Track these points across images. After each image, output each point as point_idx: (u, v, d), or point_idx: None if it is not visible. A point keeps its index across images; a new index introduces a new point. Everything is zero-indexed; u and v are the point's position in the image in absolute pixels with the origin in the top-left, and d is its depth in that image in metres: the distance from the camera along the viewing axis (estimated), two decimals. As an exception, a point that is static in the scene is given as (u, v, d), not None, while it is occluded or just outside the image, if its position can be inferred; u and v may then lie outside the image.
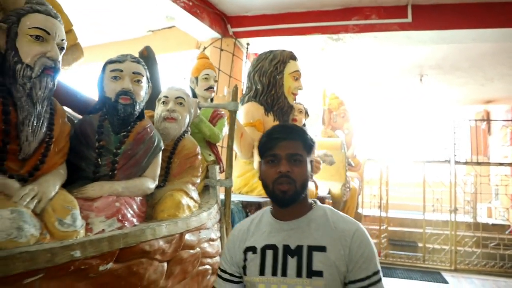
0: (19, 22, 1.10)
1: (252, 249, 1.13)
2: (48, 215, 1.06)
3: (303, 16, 3.92)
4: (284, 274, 1.05)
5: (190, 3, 3.52)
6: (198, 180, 1.83)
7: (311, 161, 1.17)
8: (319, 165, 3.67)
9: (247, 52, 4.25)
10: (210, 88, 2.35)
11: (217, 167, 2.14)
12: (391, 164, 7.66)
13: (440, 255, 6.75)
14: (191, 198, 1.70)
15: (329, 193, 4.41)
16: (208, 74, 2.33)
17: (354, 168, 5.75)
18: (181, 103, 1.79)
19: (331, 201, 4.27)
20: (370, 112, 8.72)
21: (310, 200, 1.20)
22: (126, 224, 1.28)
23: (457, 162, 6.96)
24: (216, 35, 4.06)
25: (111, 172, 1.37)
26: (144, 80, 1.49)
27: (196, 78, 2.35)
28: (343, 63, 5.33)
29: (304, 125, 3.92)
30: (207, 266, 1.76)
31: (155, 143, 1.50)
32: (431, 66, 5.41)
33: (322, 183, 4.18)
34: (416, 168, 7.94)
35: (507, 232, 7.06)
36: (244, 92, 3.65)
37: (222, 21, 4.09)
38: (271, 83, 3.49)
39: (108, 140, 1.39)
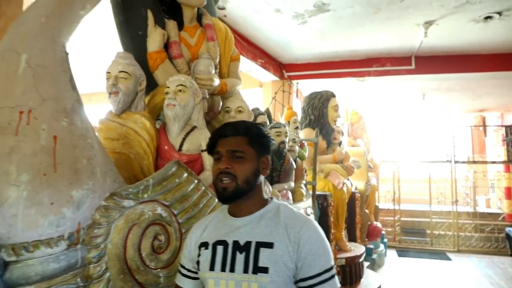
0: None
1: (205, 244, 1.12)
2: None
3: (338, 64, 5.55)
4: (232, 269, 1.04)
5: (263, 61, 5.17)
6: (304, 181, 3.45)
7: (262, 158, 1.13)
8: (353, 169, 5.26)
9: (297, 89, 5.90)
10: (296, 128, 3.95)
11: (305, 174, 3.75)
12: (402, 164, 8.73)
13: (445, 239, 7.88)
14: (303, 191, 3.32)
15: (356, 189, 5.76)
16: (295, 119, 3.95)
17: (372, 169, 6.92)
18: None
19: (359, 194, 5.73)
20: (384, 122, 10.18)
21: (266, 197, 1.17)
22: (291, 203, 2.90)
23: (456, 162, 8.19)
24: (275, 78, 5.69)
25: (278, 179, 3.00)
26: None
27: (288, 122, 3.95)
28: (366, 94, 6.91)
29: (340, 142, 5.49)
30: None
31: (292, 165, 3.12)
32: (431, 89, 6.92)
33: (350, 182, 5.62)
34: (422, 167, 9.02)
35: (500, 219, 8.23)
36: (299, 120, 5.27)
37: (279, 68, 5.73)
38: (320, 114, 5.10)
39: (276, 165, 3.01)
